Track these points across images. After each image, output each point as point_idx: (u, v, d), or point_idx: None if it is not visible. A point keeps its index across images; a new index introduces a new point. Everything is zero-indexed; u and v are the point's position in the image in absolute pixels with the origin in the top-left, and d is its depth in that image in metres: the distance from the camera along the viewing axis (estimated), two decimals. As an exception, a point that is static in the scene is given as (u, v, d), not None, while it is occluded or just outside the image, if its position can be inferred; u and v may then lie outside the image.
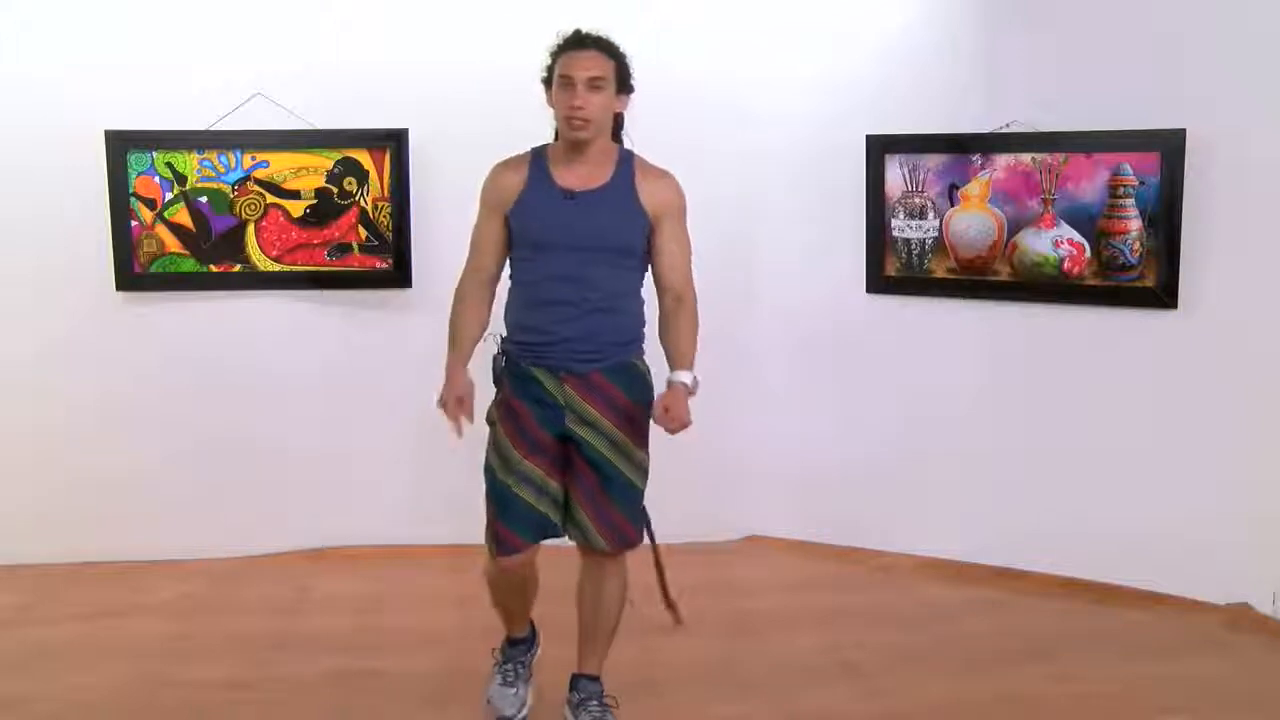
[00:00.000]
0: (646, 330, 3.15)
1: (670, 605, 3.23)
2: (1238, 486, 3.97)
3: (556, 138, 3.08)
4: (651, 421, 3.07)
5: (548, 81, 3.00)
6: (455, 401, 3.04)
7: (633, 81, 3.03)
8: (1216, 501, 4.01)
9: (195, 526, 4.54)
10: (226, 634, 3.90)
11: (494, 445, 3.09)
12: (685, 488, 4.64)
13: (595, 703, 3.18)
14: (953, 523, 4.47)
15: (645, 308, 3.15)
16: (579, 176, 3.01)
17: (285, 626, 3.97)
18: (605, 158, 3.03)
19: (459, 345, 3.12)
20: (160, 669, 3.64)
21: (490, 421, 3.11)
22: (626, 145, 3.12)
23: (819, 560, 4.61)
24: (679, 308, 3.08)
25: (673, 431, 2.99)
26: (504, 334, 3.13)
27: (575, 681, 3.24)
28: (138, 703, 3.44)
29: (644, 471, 3.11)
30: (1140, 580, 4.15)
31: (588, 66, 2.93)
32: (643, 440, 3.10)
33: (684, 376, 3.03)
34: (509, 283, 3.15)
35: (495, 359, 3.13)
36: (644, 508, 3.18)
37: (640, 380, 3.10)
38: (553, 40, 3.02)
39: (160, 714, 3.39)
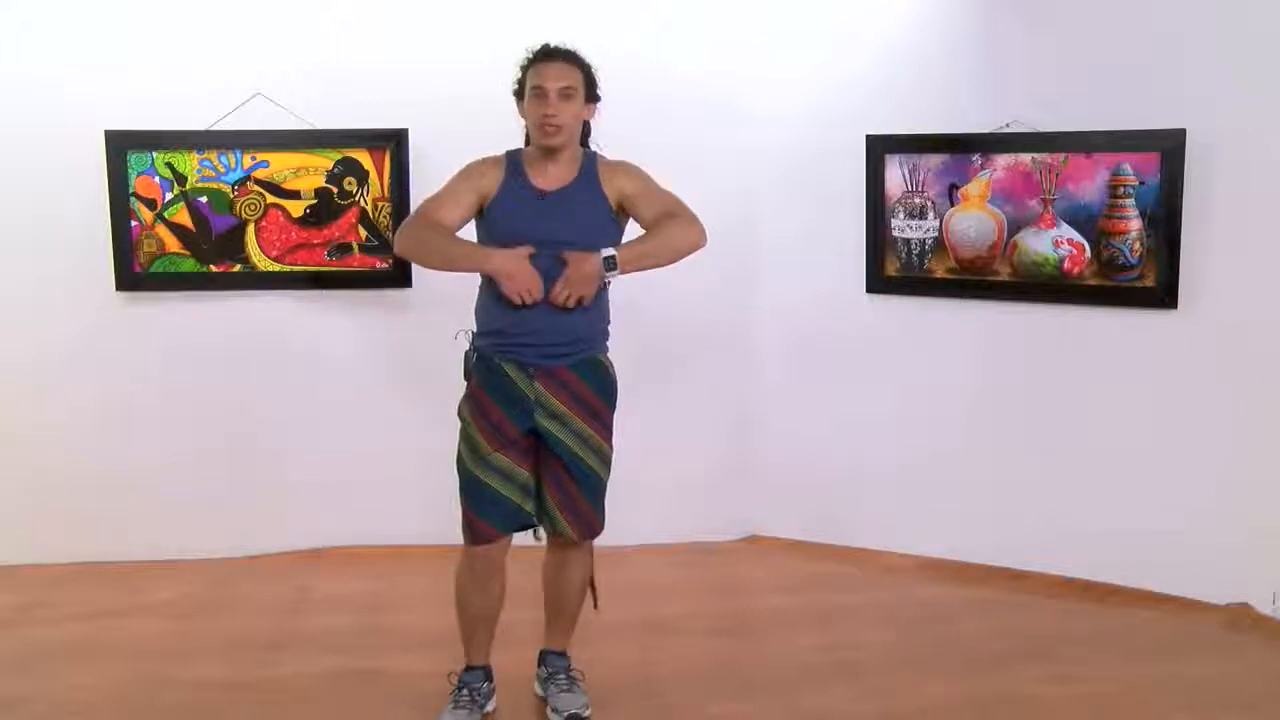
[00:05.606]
0: (611, 328, 3.27)
1: (593, 590, 3.37)
2: (1238, 486, 3.97)
3: (527, 143, 3.23)
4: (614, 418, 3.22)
5: (519, 94, 3.15)
6: (526, 273, 3.01)
7: (599, 91, 3.18)
8: (1216, 502, 4.01)
9: (195, 526, 4.54)
10: (226, 634, 3.90)
11: (464, 438, 3.18)
12: (685, 488, 4.66)
13: (563, 675, 3.35)
14: (953, 523, 4.47)
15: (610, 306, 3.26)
16: (550, 178, 3.15)
17: (285, 626, 3.97)
18: (573, 160, 3.18)
19: (453, 238, 3.12)
20: (160, 669, 3.64)
21: (461, 416, 3.20)
22: (598, 149, 3.25)
23: (819, 560, 4.61)
24: (666, 219, 3.12)
25: (559, 297, 3.01)
26: (474, 330, 3.21)
27: (544, 656, 3.42)
28: (138, 703, 3.44)
29: (608, 464, 3.22)
30: (1140, 580, 4.15)
31: (559, 77, 3.08)
32: (607, 433, 3.22)
33: (607, 250, 3.05)
34: (478, 278, 3.17)
35: (467, 355, 3.22)
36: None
37: (605, 376, 3.21)
38: (522, 55, 3.15)
39: (160, 714, 3.39)
